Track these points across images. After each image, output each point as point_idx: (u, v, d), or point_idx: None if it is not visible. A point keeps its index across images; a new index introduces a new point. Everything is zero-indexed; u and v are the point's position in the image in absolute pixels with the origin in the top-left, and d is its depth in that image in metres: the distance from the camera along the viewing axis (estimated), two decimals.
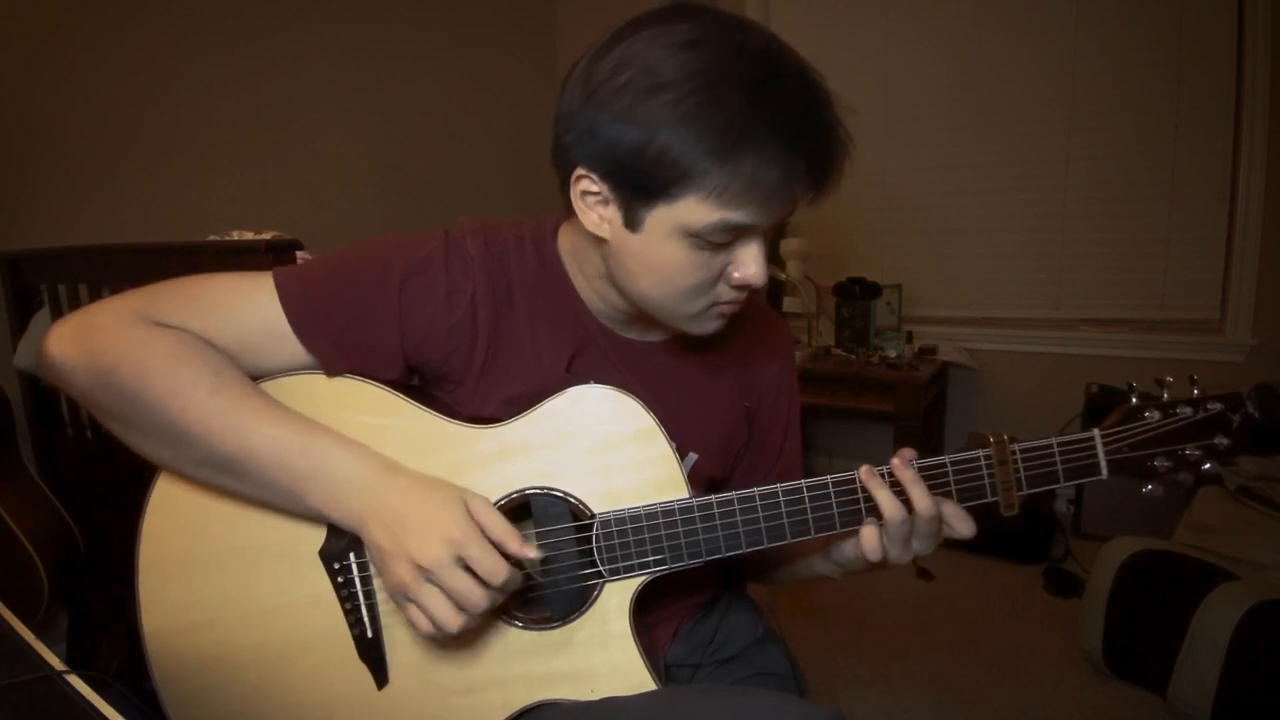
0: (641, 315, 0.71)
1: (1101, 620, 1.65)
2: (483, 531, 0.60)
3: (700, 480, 0.77)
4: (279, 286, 0.66)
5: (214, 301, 0.66)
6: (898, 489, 0.65)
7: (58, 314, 1.58)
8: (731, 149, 0.56)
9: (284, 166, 2.32)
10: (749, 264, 0.63)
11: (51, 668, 0.60)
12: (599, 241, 0.66)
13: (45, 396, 1.73)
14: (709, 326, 0.68)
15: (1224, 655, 1.39)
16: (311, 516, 0.64)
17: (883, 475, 0.65)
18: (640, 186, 0.59)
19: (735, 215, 0.59)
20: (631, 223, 0.62)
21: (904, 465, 0.64)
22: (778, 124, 0.56)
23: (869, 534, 0.65)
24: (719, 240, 0.61)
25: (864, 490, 0.65)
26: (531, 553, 0.60)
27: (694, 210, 0.59)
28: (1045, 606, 2.02)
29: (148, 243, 1.43)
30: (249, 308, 0.66)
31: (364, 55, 2.52)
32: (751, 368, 0.81)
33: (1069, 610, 1.94)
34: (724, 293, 0.66)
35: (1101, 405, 2.29)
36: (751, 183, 0.57)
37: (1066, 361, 2.55)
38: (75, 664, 0.61)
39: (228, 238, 1.55)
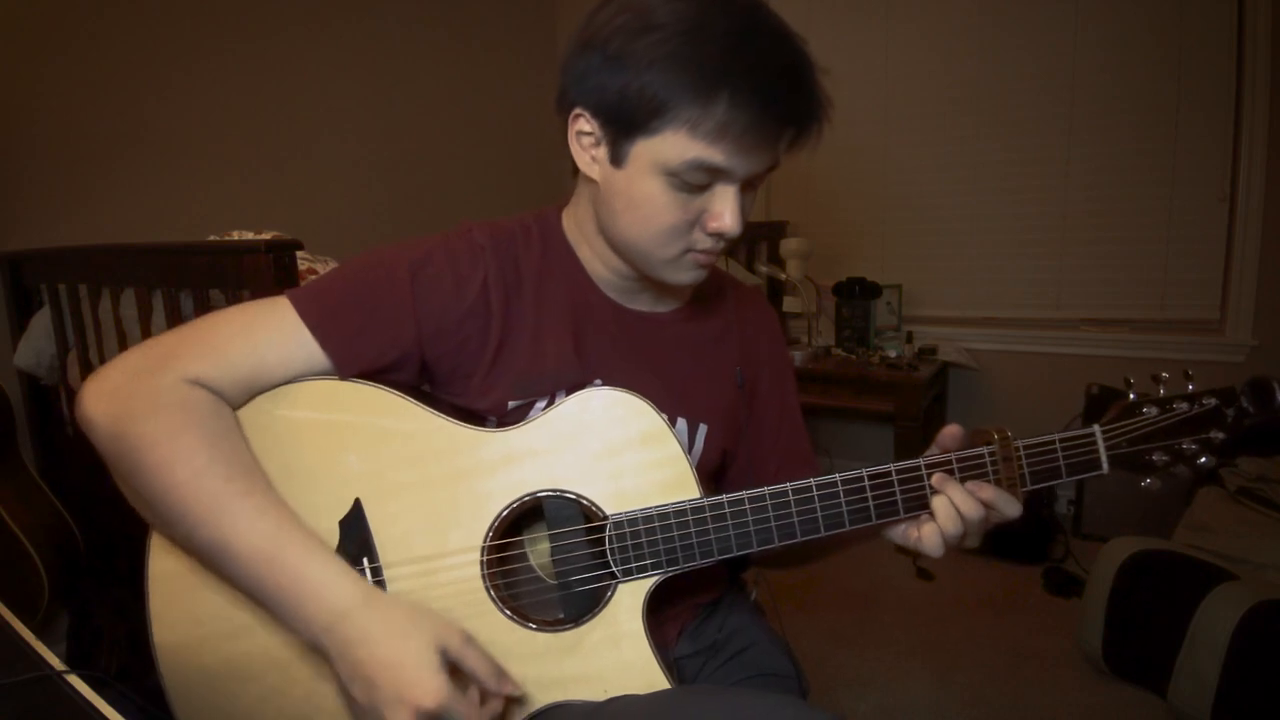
0: (646, 281, 0.73)
1: (1101, 620, 1.65)
2: (461, 666, 0.59)
3: (713, 454, 0.78)
4: (292, 299, 0.67)
5: (231, 332, 0.66)
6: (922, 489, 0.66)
7: (57, 314, 1.59)
8: (707, 87, 0.59)
9: (284, 167, 2.32)
10: (724, 213, 0.65)
11: (51, 668, 0.60)
12: (591, 187, 0.69)
13: (45, 396, 1.73)
14: (685, 276, 0.70)
15: (1224, 655, 1.39)
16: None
17: (866, 493, 0.66)
18: (624, 121, 0.63)
19: (708, 154, 0.62)
20: (616, 158, 0.65)
21: (944, 478, 0.66)
22: (754, 70, 0.59)
23: (929, 533, 0.67)
24: (695, 181, 0.63)
25: (881, 489, 0.66)
26: (513, 690, 0.61)
27: (671, 145, 0.62)
28: (1045, 606, 2.02)
29: (147, 243, 1.43)
30: (264, 324, 0.66)
31: (364, 55, 2.52)
32: (745, 338, 0.83)
33: (1069, 610, 1.94)
34: (699, 240, 0.67)
35: (1102, 405, 2.29)
36: (725, 121, 0.60)
37: (1067, 361, 2.55)
38: (75, 664, 0.61)
39: (228, 238, 1.55)
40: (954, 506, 0.65)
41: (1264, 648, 1.36)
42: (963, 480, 0.67)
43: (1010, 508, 0.66)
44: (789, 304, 2.63)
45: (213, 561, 0.61)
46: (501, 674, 0.61)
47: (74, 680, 0.58)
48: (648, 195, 0.65)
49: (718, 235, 0.66)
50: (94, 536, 1.58)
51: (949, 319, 2.75)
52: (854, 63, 2.75)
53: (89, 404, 0.62)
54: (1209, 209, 2.30)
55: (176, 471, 0.59)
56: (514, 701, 0.66)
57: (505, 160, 2.98)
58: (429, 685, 0.55)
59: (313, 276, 1.23)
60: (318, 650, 0.60)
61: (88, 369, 1.48)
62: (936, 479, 0.66)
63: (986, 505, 0.66)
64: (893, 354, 2.51)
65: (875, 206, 2.79)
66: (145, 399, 0.61)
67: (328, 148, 2.43)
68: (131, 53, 1.96)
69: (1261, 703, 1.35)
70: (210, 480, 0.59)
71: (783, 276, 2.59)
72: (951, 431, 0.69)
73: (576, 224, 0.75)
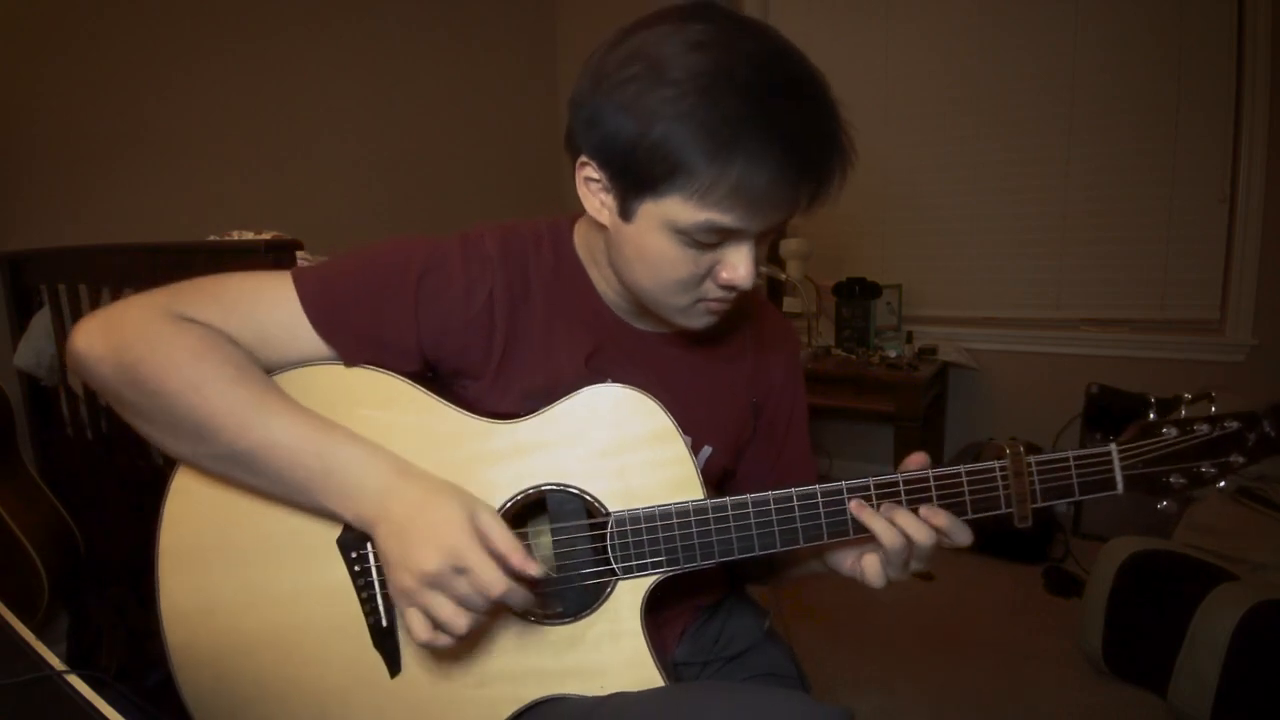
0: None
1: (1101, 620, 1.65)
2: (485, 543, 0.59)
3: (714, 473, 0.78)
4: (297, 284, 0.67)
5: (236, 298, 0.67)
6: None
7: (57, 314, 1.58)
8: (721, 150, 0.56)
9: (284, 166, 2.31)
10: (737, 266, 0.63)
11: (51, 668, 0.60)
12: (603, 228, 0.68)
13: (45, 396, 1.73)
14: (697, 322, 0.69)
15: (1224, 655, 1.39)
16: (324, 514, 0.64)
17: (872, 501, 0.65)
18: (633, 177, 0.60)
19: (720, 217, 0.59)
20: (625, 212, 0.63)
21: (892, 506, 0.65)
22: (771, 131, 0.56)
23: (871, 563, 0.66)
24: (706, 240, 0.62)
25: (888, 499, 0.66)
26: (534, 570, 0.60)
27: (680, 208, 0.60)
28: (1045, 606, 2.02)
29: (148, 243, 1.43)
30: (270, 303, 0.67)
31: (365, 55, 2.52)
32: (761, 363, 0.82)
33: (1069, 610, 1.94)
34: (711, 290, 0.66)
35: (1102, 405, 2.29)
36: (738, 186, 0.57)
37: (1067, 361, 2.55)
38: (75, 664, 0.61)
39: (228, 238, 1.55)
40: (902, 532, 0.64)
41: (1264, 648, 1.36)
42: (971, 497, 0.66)
43: (962, 536, 0.65)
44: (789, 304, 2.63)
45: (249, 467, 0.62)
46: (523, 551, 0.60)
47: (74, 680, 0.58)
48: (657, 249, 0.63)
49: (730, 287, 0.65)
50: (93, 537, 1.58)
51: (949, 319, 2.75)
52: (854, 63, 2.75)
53: (83, 341, 0.63)
54: (1209, 209, 2.30)
55: (207, 390, 0.61)
56: (511, 690, 0.66)
57: (505, 160, 2.98)
58: (456, 531, 0.59)
59: None
60: (358, 522, 0.62)
61: None
62: (854, 504, 0.65)
63: (940, 532, 0.64)
64: (893, 354, 2.51)
65: (875, 206, 2.79)
66: (150, 330, 0.62)
67: (328, 148, 2.43)
68: (131, 53, 1.96)
69: (1261, 703, 1.35)
70: (245, 392, 0.62)
71: (783, 276, 2.59)
72: (916, 460, 0.68)
73: (586, 246, 0.74)
